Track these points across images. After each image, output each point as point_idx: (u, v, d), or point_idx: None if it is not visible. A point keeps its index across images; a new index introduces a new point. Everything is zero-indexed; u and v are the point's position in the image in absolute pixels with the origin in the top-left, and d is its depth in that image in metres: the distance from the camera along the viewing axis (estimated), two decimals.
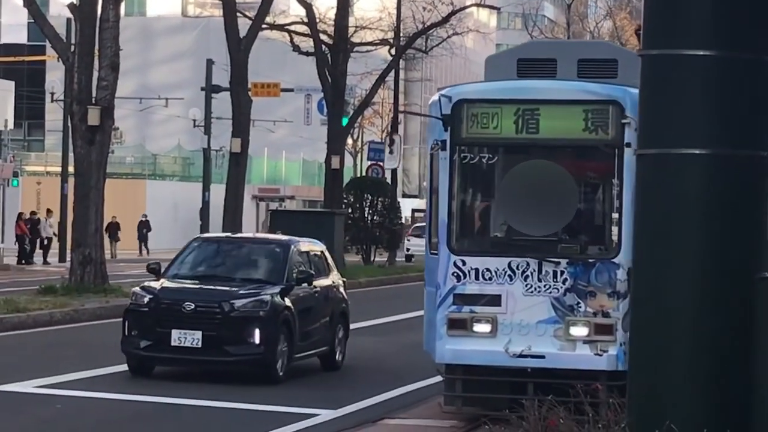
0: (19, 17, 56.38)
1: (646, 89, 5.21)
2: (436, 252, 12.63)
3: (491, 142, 12.72)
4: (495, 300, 12.06)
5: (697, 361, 4.93)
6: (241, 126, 37.14)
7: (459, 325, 12.16)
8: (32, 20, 39.96)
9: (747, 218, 5.05)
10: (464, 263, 12.22)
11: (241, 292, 16.17)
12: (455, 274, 12.19)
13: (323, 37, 40.45)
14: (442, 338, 12.22)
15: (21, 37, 70.83)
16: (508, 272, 12.03)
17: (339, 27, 40.67)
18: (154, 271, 17.25)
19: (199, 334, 15.42)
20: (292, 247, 17.32)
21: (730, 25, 4.90)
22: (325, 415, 13.79)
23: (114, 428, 13.36)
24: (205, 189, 53.85)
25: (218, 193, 43.35)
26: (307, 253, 17.71)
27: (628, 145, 11.62)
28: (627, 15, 77.62)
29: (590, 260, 12.15)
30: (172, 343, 15.46)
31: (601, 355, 11.68)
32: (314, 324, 16.87)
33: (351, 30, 42.91)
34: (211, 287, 16.72)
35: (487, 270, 12.13)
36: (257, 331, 15.55)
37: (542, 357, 11.83)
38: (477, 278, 12.17)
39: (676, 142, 5.00)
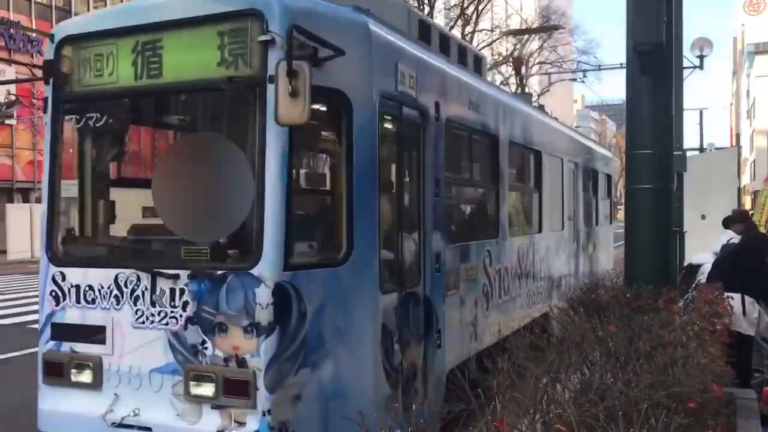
0: None
1: (627, 166, 6.98)
2: None
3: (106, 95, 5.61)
4: (100, 331, 5.45)
5: (648, 256, 6.86)
6: None
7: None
8: None
9: (666, 210, 7.03)
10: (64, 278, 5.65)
11: None
12: None
13: None
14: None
15: None
16: (116, 292, 5.37)
17: None
18: None
19: None
20: None
21: (654, 137, 6.72)
22: None
23: None
24: None
25: None
26: None
27: (271, 79, 4.85)
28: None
29: (219, 272, 5.03)
30: None
31: None
32: None
33: None
34: None
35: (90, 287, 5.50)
36: None
37: (149, 430, 5.18)
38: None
39: (638, 181, 6.93)
